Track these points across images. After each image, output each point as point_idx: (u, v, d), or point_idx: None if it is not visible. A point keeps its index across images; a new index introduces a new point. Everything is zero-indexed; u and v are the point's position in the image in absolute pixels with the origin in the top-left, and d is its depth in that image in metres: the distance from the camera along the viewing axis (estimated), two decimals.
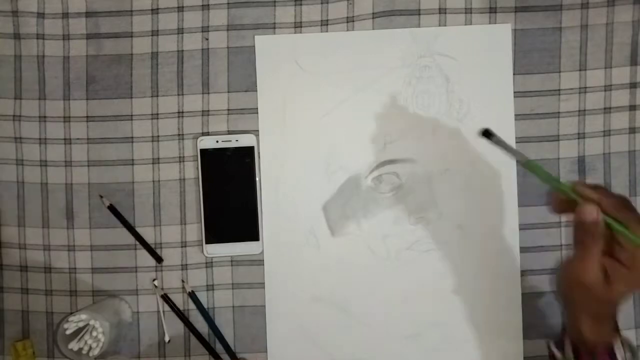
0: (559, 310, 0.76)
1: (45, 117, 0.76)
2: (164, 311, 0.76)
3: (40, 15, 0.76)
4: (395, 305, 0.76)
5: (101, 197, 0.76)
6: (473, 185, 0.76)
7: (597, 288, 0.54)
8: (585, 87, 0.76)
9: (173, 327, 0.76)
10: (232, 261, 0.76)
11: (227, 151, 0.75)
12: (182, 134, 0.76)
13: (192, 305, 0.76)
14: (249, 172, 0.75)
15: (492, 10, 0.76)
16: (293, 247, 0.76)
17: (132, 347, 0.76)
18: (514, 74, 0.76)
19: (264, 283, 0.76)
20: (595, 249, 0.53)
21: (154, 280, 0.76)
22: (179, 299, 0.76)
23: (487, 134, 0.58)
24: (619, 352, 0.56)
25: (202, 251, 0.76)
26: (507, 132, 0.76)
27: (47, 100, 0.76)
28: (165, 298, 0.75)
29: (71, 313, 0.72)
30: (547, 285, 0.76)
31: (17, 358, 0.74)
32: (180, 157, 0.76)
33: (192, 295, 0.75)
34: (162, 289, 0.76)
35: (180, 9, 0.76)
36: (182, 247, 0.76)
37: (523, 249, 0.76)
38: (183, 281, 0.76)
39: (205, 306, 0.76)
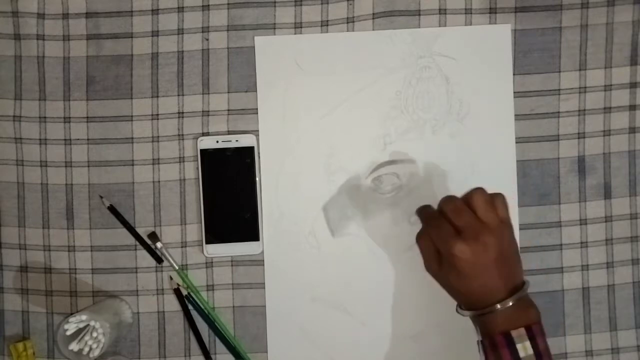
0: (560, 310, 0.76)
1: (45, 117, 0.76)
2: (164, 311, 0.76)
3: (40, 15, 0.76)
4: (395, 306, 0.76)
5: (101, 197, 0.76)
6: (473, 185, 0.76)
7: (437, 274, 0.67)
8: (585, 87, 0.76)
9: (174, 326, 0.76)
10: (232, 261, 0.76)
11: (227, 151, 0.75)
12: (182, 134, 0.76)
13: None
14: (249, 172, 0.75)
15: (492, 10, 0.76)
16: (293, 247, 0.76)
17: (132, 347, 0.76)
18: (513, 74, 0.76)
19: (264, 283, 0.76)
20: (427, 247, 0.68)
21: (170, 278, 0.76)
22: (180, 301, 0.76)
23: None
24: (518, 341, 0.61)
25: (202, 251, 0.76)
26: (507, 132, 0.76)
27: (47, 101, 0.76)
28: (178, 293, 0.75)
29: (71, 314, 0.72)
30: (547, 285, 0.76)
31: (17, 358, 0.74)
32: (180, 157, 0.76)
33: (188, 297, 0.75)
34: (162, 290, 0.76)
35: (181, 9, 0.76)
36: (182, 247, 0.76)
37: (523, 249, 0.76)
38: (179, 284, 0.76)
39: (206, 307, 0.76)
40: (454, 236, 0.63)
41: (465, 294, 0.65)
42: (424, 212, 0.71)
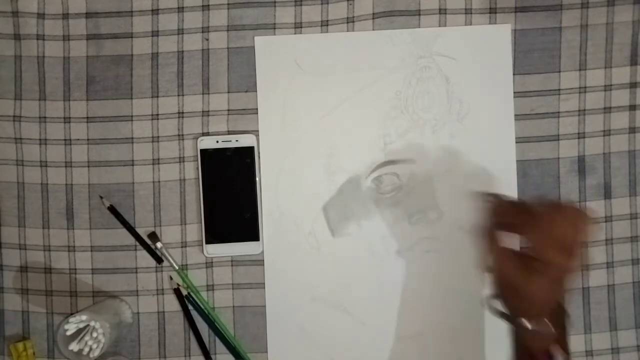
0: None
1: (45, 117, 0.76)
2: (164, 311, 0.76)
3: (41, 15, 0.76)
4: (395, 305, 0.76)
5: (101, 197, 0.76)
6: (473, 185, 0.76)
7: (517, 277, 0.60)
8: (585, 87, 0.76)
9: (174, 326, 0.76)
10: (232, 261, 0.76)
11: (227, 151, 0.75)
12: (182, 134, 0.76)
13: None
14: (249, 172, 0.75)
15: (492, 10, 0.76)
16: (293, 247, 0.76)
17: (132, 347, 0.76)
18: (513, 74, 0.76)
19: (264, 283, 0.76)
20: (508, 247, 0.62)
21: (170, 278, 0.76)
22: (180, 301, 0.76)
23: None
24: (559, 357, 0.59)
25: (202, 251, 0.76)
26: (507, 132, 0.76)
27: (47, 101, 0.76)
28: (178, 293, 0.76)
29: (71, 314, 0.72)
30: None
31: (17, 358, 0.74)
32: (180, 157, 0.76)
33: (188, 297, 0.75)
34: (162, 290, 0.76)
35: (181, 9, 0.76)
36: (182, 247, 0.76)
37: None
38: (179, 284, 0.76)
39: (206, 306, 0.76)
40: (576, 253, 0.59)
41: (540, 299, 0.61)
42: (508, 208, 0.65)
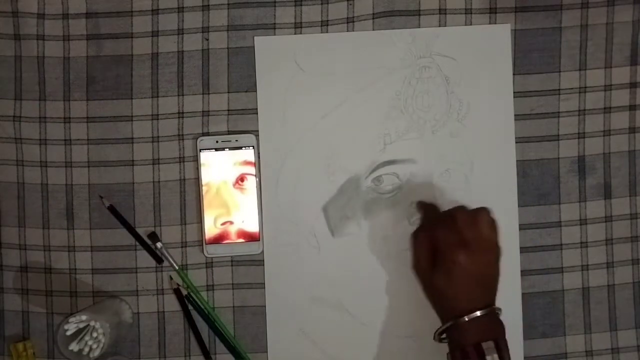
0: (560, 310, 0.76)
1: (45, 117, 0.76)
2: (164, 311, 0.76)
3: (41, 16, 0.76)
4: (395, 305, 0.76)
5: (101, 197, 0.76)
6: (473, 185, 0.76)
7: (426, 274, 0.69)
8: (585, 87, 0.76)
9: (174, 326, 0.76)
10: (232, 261, 0.76)
11: (227, 151, 0.75)
12: (182, 135, 0.76)
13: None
14: (248, 172, 0.75)
15: (492, 10, 0.76)
16: (293, 247, 0.76)
17: (132, 347, 0.76)
18: (513, 74, 0.76)
19: (264, 283, 0.76)
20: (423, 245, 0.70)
21: (170, 278, 0.76)
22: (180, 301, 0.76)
23: None
24: (487, 353, 0.64)
25: (202, 251, 0.76)
26: (507, 132, 0.76)
27: (47, 101, 0.76)
28: (178, 293, 0.76)
29: (71, 314, 0.72)
30: (547, 285, 0.76)
31: (17, 358, 0.74)
32: (180, 157, 0.76)
33: (188, 297, 0.75)
34: (162, 290, 0.76)
35: (181, 9, 0.76)
36: (182, 247, 0.76)
37: (523, 249, 0.76)
38: (179, 284, 0.76)
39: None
40: (462, 245, 0.66)
41: (448, 298, 0.67)
42: (429, 211, 0.73)
